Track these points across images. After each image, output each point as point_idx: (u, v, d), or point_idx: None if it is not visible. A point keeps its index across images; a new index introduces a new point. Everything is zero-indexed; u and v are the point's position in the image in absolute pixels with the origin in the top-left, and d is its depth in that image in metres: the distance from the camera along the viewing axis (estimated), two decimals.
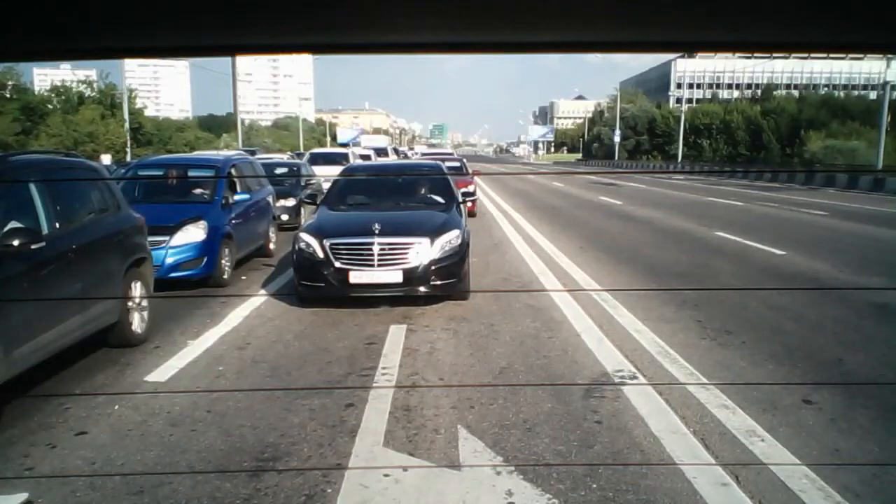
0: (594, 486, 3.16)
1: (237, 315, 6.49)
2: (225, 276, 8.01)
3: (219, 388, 4.62)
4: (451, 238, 6.67)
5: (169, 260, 7.38)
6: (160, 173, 9.59)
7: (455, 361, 5.14)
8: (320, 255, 6.45)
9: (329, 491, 3.14)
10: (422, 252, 6.44)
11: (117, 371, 4.97)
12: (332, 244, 6.47)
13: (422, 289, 6.43)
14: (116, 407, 4.22)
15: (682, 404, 4.16)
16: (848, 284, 8.08)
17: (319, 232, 6.68)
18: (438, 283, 6.48)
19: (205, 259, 7.62)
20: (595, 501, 3.04)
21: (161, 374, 4.89)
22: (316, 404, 4.21)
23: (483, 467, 3.34)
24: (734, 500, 3.03)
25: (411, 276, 6.36)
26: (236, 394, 4.40)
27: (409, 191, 8.24)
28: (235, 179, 9.19)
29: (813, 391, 4.43)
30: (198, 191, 8.69)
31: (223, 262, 8.00)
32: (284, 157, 26.86)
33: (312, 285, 6.53)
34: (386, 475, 3.27)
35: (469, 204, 14.15)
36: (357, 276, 6.36)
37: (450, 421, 3.92)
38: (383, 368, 4.94)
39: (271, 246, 10.12)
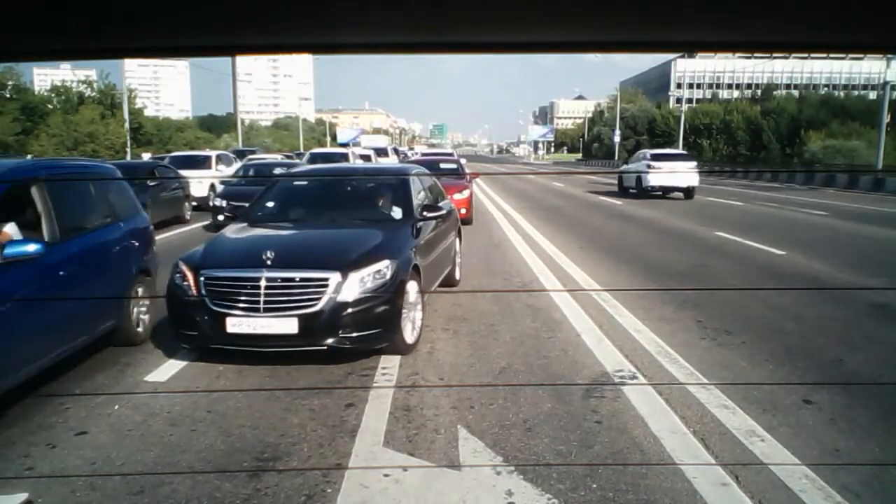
0: (594, 486, 3.16)
1: None
2: None
3: (219, 388, 4.62)
4: (376, 270, 4.91)
5: None
6: None
7: (455, 361, 5.14)
8: (193, 291, 4.84)
9: (329, 491, 3.14)
10: (329, 291, 4.71)
11: (117, 371, 4.97)
12: (206, 279, 4.82)
13: (329, 342, 4.70)
14: (116, 407, 4.22)
15: (682, 404, 4.15)
16: (848, 284, 8.08)
17: (199, 260, 5.07)
18: (354, 334, 4.74)
19: None
20: (595, 501, 3.04)
21: (161, 374, 4.89)
22: (316, 404, 4.21)
23: (483, 467, 3.34)
24: (734, 500, 3.03)
25: (311, 324, 4.65)
26: (236, 394, 4.40)
27: (356, 202, 6.54)
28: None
29: (813, 391, 4.42)
30: None
31: None
32: (279, 157, 26.93)
33: (187, 333, 4.97)
34: (386, 475, 3.27)
35: (463, 211, 12.94)
36: (236, 325, 4.64)
37: (450, 421, 3.92)
38: (383, 368, 4.94)
39: (138, 328, 5.53)
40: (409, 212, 6.15)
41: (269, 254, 4.85)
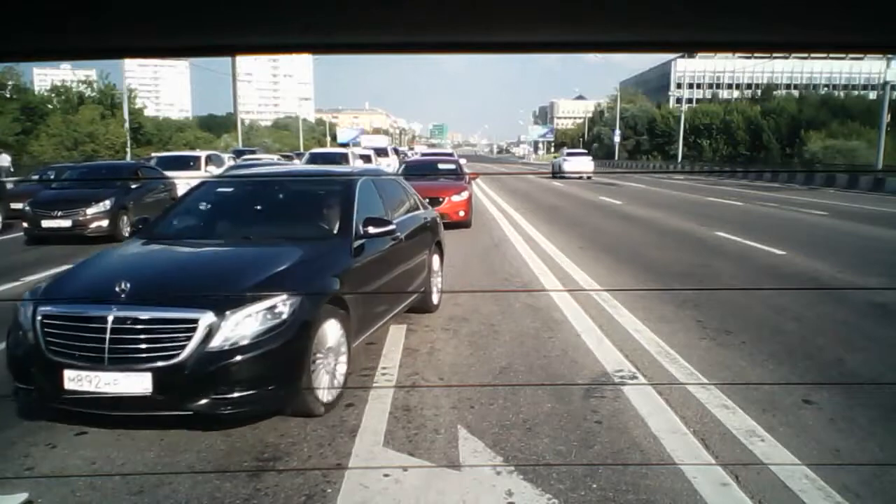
0: (594, 486, 3.16)
1: None
2: None
3: None
4: (268, 308, 3.71)
5: None
6: None
7: (455, 361, 5.14)
8: (31, 335, 3.72)
9: (329, 491, 3.14)
10: (198, 336, 3.55)
11: None
12: (43, 317, 3.71)
13: (198, 405, 3.56)
14: None
15: (682, 404, 4.16)
16: (848, 284, 8.08)
17: (44, 293, 4.00)
18: (235, 394, 3.59)
19: None
20: (595, 501, 3.04)
21: None
22: None
23: (483, 467, 3.34)
24: (734, 500, 3.03)
25: (171, 382, 3.52)
26: None
27: (284, 213, 5.37)
28: None
29: (813, 391, 4.43)
30: None
31: None
32: (276, 157, 26.93)
33: (22, 388, 3.84)
34: (386, 475, 3.27)
35: (462, 213, 12.68)
36: (75, 380, 3.53)
37: (450, 421, 3.92)
38: (383, 368, 4.94)
39: None
40: (347, 226, 4.85)
41: (124, 285, 3.67)
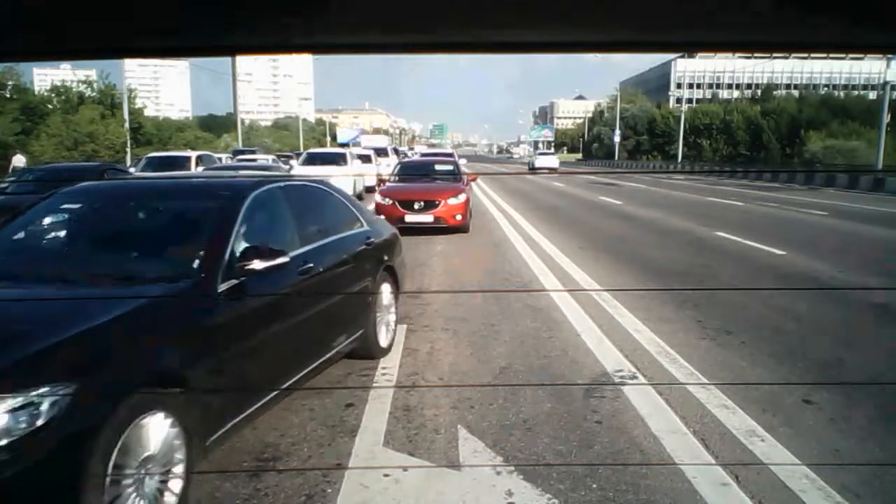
0: (594, 486, 3.16)
1: None
2: None
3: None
4: (12, 409, 2.16)
5: None
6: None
7: (455, 361, 5.14)
8: None
9: (329, 491, 3.14)
10: None
11: None
12: None
13: None
14: None
15: (682, 404, 4.15)
16: (848, 284, 8.08)
17: None
18: None
19: None
20: (595, 501, 3.04)
21: None
22: (316, 404, 4.21)
23: (483, 467, 3.34)
24: (734, 500, 3.03)
25: None
26: None
27: (129, 240, 3.81)
28: None
29: (813, 391, 4.42)
30: None
31: None
32: (271, 158, 26.93)
33: None
34: (386, 475, 3.27)
35: (459, 217, 12.16)
36: None
37: (450, 421, 3.92)
38: (383, 368, 4.94)
39: None
40: (213, 260, 3.28)
41: None
